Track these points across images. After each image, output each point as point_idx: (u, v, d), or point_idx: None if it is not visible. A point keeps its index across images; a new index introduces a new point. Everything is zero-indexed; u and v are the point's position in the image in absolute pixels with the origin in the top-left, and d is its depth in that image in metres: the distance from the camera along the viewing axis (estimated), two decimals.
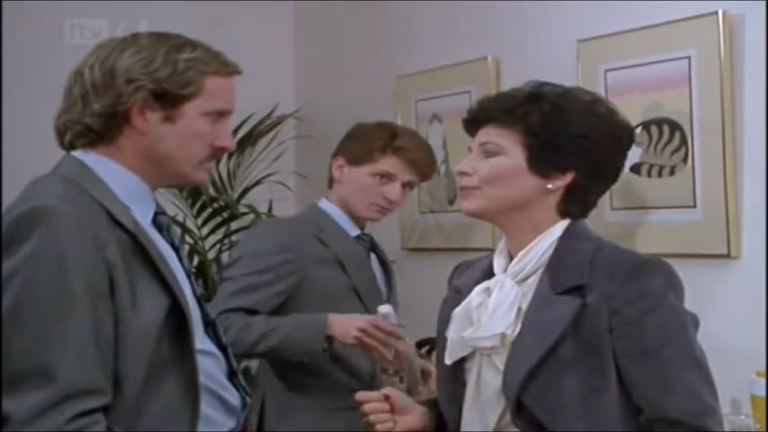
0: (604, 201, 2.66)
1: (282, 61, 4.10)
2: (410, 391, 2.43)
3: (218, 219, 3.84)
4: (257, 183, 3.91)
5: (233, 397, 1.84)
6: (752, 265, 2.44)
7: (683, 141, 2.54)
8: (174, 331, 1.71)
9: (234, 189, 3.89)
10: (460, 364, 1.86)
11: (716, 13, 2.45)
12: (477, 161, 1.83)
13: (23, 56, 3.64)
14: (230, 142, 1.86)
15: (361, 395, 1.92)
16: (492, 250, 1.93)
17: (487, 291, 1.83)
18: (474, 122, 1.87)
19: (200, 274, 3.68)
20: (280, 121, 3.96)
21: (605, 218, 2.69)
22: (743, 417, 2.33)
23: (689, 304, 1.79)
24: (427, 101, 3.36)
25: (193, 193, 3.74)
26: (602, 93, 2.64)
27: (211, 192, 3.76)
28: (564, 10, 2.89)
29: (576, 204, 1.84)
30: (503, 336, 1.78)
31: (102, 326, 1.63)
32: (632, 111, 2.55)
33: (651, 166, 2.62)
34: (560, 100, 1.81)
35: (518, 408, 1.74)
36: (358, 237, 2.70)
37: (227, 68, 1.82)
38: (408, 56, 3.50)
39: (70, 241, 1.62)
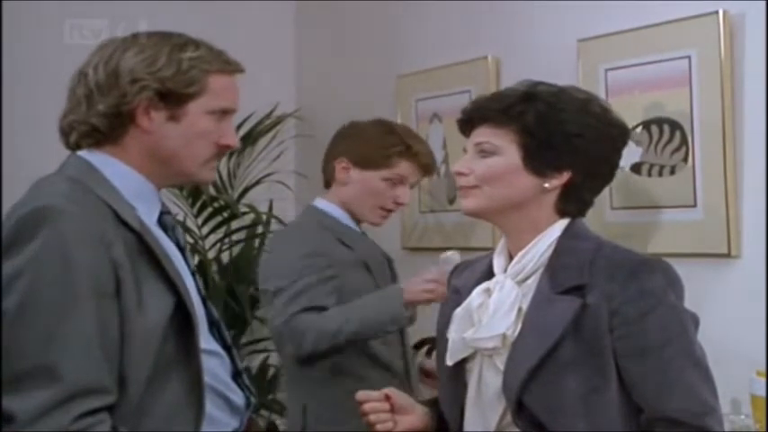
0: (604, 200, 2.66)
1: (283, 60, 4.10)
2: None
3: (219, 218, 3.84)
4: (257, 182, 3.91)
5: (237, 397, 1.84)
6: (752, 264, 2.44)
7: (684, 141, 2.54)
8: (179, 331, 1.71)
9: (234, 188, 3.89)
10: (461, 364, 1.86)
11: (716, 12, 2.45)
12: (473, 161, 1.83)
13: (23, 56, 3.64)
14: (235, 141, 1.86)
15: (361, 394, 1.92)
16: (492, 250, 1.93)
17: (488, 291, 1.83)
18: (469, 122, 1.87)
19: (200, 273, 3.67)
20: (280, 120, 3.96)
21: (605, 217, 2.69)
22: (743, 416, 2.33)
23: (689, 304, 1.79)
24: (427, 100, 3.36)
25: (194, 193, 3.74)
26: (602, 92, 2.64)
27: (211, 191, 3.76)
28: (564, 9, 2.89)
29: (573, 203, 1.84)
30: (503, 336, 1.78)
31: (108, 325, 1.63)
32: (632, 110, 2.56)
33: (651, 165, 2.62)
34: (555, 99, 1.81)
35: (519, 408, 1.74)
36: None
37: (230, 67, 1.82)
38: (408, 55, 3.50)
39: (76, 241, 1.62)
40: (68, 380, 1.58)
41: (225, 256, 3.87)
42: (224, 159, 3.78)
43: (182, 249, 1.85)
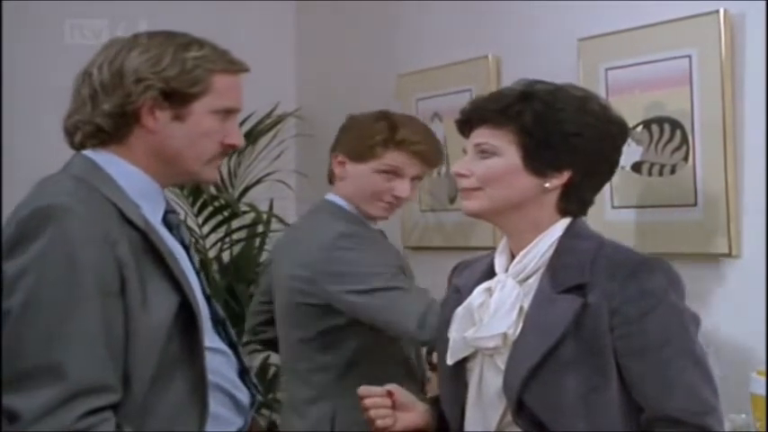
0: (605, 199, 2.66)
1: (283, 60, 4.10)
2: None
3: (219, 217, 3.85)
4: (258, 181, 3.91)
5: (243, 395, 1.84)
6: (752, 264, 2.43)
7: (684, 140, 2.54)
8: (184, 330, 1.72)
9: (235, 187, 3.90)
10: (462, 364, 1.86)
11: (717, 11, 2.45)
12: (472, 162, 1.83)
13: (23, 56, 3.64)
14: (240, 140, 1.87)
15: (363, 389, 1.92)
16: (493, 249, 1.93)
17: (489, 290, 1.83)
18: (467, 123, 1.87)
19: None
20: (280, 119, 3.96)
21: (606, 216, 2.69)
22: (743, 416, 2.33)
23: (689, 303, 1.79)
24: (428, 99, 3.35)
25: (194, 192, 3.74)
26: (602, 92, 2.64)
27: (212, 190, 3.76)
28: (564, 8, 2.89)
29: (574, 202, 1.84)
30: (504, 336, 1.78)
31: (113, 324, 1.64)
32: (633, 109, 2.56)
33: (652, 164, 2.62)
34: (552, 98, 1.81)
35: (519, 407, 1.74)
36: None
37: (234, 66, 1.83)
38: (409, 55, 3.50)
39: (81, 239, 1.62)
40: (73, 378, 1.59)
41: (225, 256, 3.87)
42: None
43: (186, 248, 1.86)
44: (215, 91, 1.78)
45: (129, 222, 1.70)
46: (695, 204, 2.52)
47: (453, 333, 1.85)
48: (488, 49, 3.13)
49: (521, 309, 1.79)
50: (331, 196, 2.61)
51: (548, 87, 1.84)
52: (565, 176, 1.81)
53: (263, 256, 3.74)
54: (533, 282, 1.81)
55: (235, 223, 3.87)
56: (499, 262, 1.86)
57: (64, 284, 1.61)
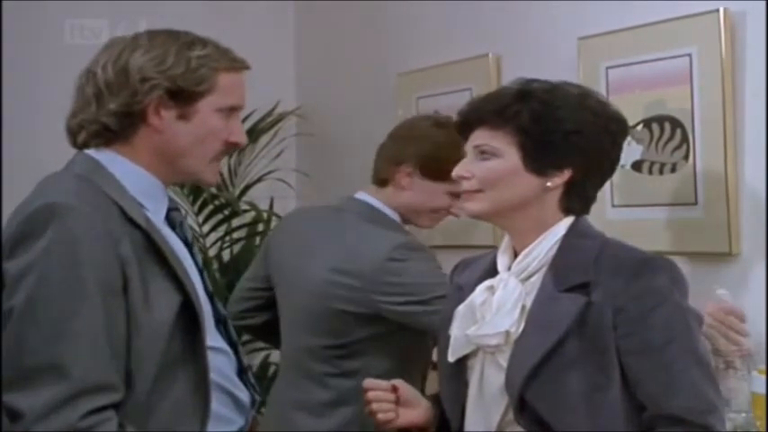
0: (606, 198, 2.66)
1: (283, 59, 4.10)
2: None
3: (220, 216, 3.84)
4: (258, 180, 3.90)
5: (243, 394, 1.84)
6: (752, 263, 2.43)
7: (685, 139, 2.54)
8: (186, 328, 1.72)
9: (235, 186, 3.89)
10: (463, 361, 1.86)
11: (717, 10, 2.44)
12: (473, 164, 1.83)
13: (23, 56, 3.63)
14: (243, 138, 1.87)
15: (368, 382, 1.92)
16: (494, 247, 1.93)
17: (491, 288, 1.83)
18: (466, 125, 1.87)
19: None
20: (281, 118, 3.96)
21: (606, 215, 2.69)
22: (743, 414, 2.33)
23: (690, 302, 1.79)
24: (428, 98, 3.35)
25: (194, 191, 3.74)
26: (603, 90, 2.64)
27: (212, 189, 3.76)
28: (565, 7, 2.89)
29: (577, 200, 1.84)
30: (507, 333, 1.78)
31: (115, 323, 1.64)
32: (633, 108, 2.56)
33: (652, 163, 2.62)
34: (550, 96, 1.81)
35: (521, 405, 1.74)
36: None
37: (238, 64, 1.84)
38: (409, 53, 3.49)
39: (84, 238, 1.63)
40: (76, 377, 1.59)
41: (226, 254, 3.87)
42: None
43: (189, 246, 1.86)
44: (220, 89, 1.79)
45: (132, 221, 1.70)
46: (695, 203, 2.52)
47: (455, 330, 1.86)
48: (489, 47, 3.13)
49: (523, 307, 1.79)
50: (369, 198, 2.53)
51: (544, 86, 1.84)
52: (566, 175, 1.81)
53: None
54: (536, 280, 1.81)
55: (235, 222, 3.87)
56: (502, 260, 1.87)
57: (66, 283, 1.61)
